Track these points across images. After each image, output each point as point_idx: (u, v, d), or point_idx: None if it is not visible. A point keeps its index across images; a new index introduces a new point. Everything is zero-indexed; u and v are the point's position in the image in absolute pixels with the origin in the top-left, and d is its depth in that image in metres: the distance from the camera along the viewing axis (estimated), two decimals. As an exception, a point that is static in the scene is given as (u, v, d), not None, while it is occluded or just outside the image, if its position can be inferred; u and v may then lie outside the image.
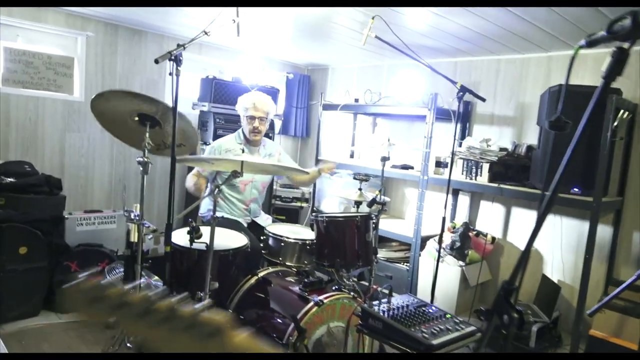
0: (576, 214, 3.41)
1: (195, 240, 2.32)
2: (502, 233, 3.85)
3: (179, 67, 1.82)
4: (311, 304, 2.21)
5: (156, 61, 1.74)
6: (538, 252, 3.61)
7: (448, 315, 1.96)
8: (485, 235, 3.79)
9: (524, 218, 3.72)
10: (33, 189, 3.25)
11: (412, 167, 3.97)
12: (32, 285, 3.17)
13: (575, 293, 2.90)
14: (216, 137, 4.04)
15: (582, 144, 1.00)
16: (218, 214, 3.08)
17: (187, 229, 2.32)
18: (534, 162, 3.35)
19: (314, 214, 2.68)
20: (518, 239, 3.75)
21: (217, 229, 2.30)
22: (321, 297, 2.24)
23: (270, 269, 2.64)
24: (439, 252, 3.22)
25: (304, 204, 4.65)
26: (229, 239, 2.62)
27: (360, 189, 3.09)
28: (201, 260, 2.38)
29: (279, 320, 2.29)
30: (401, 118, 4.50)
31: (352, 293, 2.39)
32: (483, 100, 2.70)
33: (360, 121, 4.90)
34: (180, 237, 2.46)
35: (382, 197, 2.91)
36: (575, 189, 2.89)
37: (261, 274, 2.57)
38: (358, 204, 3.04)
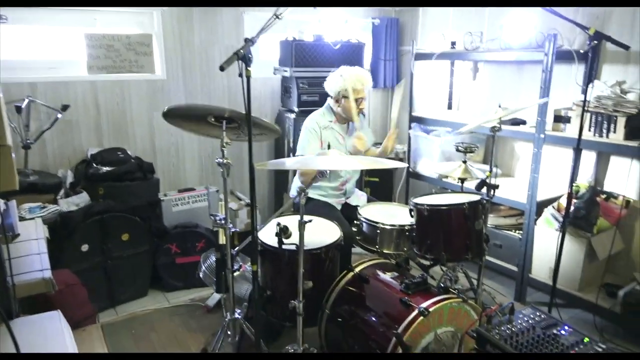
0: None
1: (285, 242, 2.16)
2: (637, 194, 3.23)
3: (248, 67, 1.54)
4: (415, 313, 1.97)
5: (221, 68, 1.47)
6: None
7: (586, 340, 1.61)
8: (616, 198, 3.22)
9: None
10: (128, 176, 3.29)
11: (524, 122, 3.42)
12: (137, 269, 3.29)
13: None
14: (301, 103, 3.79)
15: None
16: (310, 195, 2.91)
17: (276, 226, 2.16)
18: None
19: (412, 200, 2.37)
20: (659, 200, 3.14)
21: (309, 218, 2.10)
22: (426, 305, 1.98)
23: (367, 262, 2.43)
24: (564, 224, 2.75)
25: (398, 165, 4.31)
26: (321, 233, 2.42)
27: (464, 162, 2.70)
28: (292, 260, 2.23)
29: (380, 329, 2.09)
30: (508, 62, 3.88)
31: (461, 295, 2.10)
32: (626, 48, 2.11)
33: (459, 67, 4.33)
34: (270, 234, 2.30)
35: (495, 170, 2.49)
36: None
37: (358, 269, 2.36)
38: (462, 181, 2.67)
